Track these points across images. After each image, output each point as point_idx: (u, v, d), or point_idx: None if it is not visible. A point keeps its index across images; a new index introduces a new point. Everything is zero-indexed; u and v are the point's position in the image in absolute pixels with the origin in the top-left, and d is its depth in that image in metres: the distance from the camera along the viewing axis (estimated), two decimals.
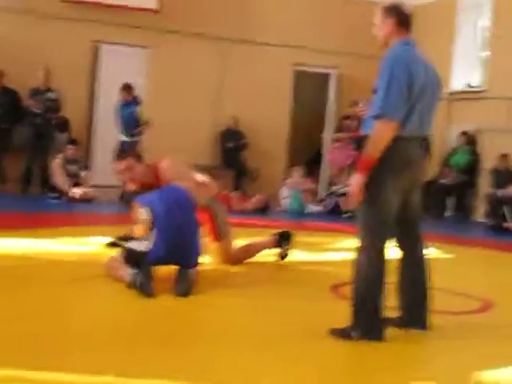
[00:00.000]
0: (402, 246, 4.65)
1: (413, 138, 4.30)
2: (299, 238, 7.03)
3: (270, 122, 14.64)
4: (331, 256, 7.61)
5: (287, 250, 6.76)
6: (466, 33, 14.68)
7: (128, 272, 5.20)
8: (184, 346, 4.02)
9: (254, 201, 12.18)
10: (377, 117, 4.17)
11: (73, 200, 10.98)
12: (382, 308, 4.34)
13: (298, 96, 15.92)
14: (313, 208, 12.68)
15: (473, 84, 14.38)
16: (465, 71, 14.70)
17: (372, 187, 4.22)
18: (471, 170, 13.40)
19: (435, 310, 4.69)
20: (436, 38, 15.02)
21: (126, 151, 6.70)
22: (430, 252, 8.30)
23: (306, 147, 16.55)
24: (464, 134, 13.61)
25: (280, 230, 6.81)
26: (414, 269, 4.64)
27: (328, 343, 4.24)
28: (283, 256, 6.75)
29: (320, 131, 15.60)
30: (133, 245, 5.35)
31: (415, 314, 4.63)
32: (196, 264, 5.42)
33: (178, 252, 5.27)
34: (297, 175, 12.93)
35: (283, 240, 6.74)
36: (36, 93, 12.12)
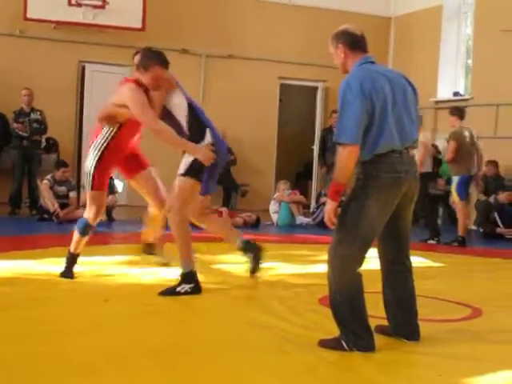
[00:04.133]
0: (389, 257, 4.65)
1: (392, 152, 4.32)
2: (289, 250, 7.04)
3: (257, 137, 14.68)
4: (320, 268, 7.59)
5: (255, 264, 6.55)
6: (451, 41, 14.75)
7: None
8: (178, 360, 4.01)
9: (244, 216, 12.18)
10: (337, 142, 4.26)
11: (60, 220, 10.90)
12: (367, 317, 4.35)
13: (285, 109, 15.98)
14: (302, 219, 12.67)
15: (459, 92, 14.44)
16: (451, 80, 14.78)
17: (356, 204, 4.29)
18: None
19: (426, 318, 4.69)
20: (421, 47, 15.15)
21: None
22: (422, 261, 8.41)
23: (295, 160, 16.59)
24: None
25: (251, 241, 6.68)
26: (402, 280, 4.66)
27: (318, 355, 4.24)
28: (252, 271, 6.57)
29: (308, 144, 15.63)
30: None
31: (406, 325, 4.64)
32: None
33: None
34: (282, 188, 12.92)
35: (248, 250, 6.56)
36: (20, 115, 12.11)
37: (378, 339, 4.43)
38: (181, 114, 5.98)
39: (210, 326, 4.94)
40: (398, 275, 4.64)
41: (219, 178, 13.90)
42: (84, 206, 8.81)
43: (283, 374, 3.87)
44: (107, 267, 7.03)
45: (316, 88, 15.72)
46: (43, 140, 12.71)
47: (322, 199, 12.99)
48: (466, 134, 10.64)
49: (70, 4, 13.21)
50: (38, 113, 12.20)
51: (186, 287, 5.79)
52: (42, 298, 5.49)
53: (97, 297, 5.62)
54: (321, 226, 12.39)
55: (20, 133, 11.95)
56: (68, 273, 6.26)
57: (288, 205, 12.66)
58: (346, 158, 4.21)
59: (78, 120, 13.96)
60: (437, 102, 14.71)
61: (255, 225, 12.05)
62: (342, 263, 4.31)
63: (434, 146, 13.14)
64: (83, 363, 3.90)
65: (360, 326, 4.32)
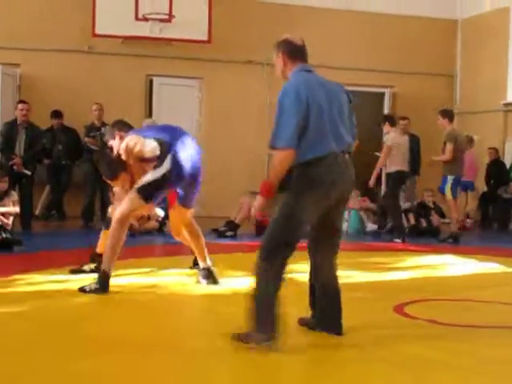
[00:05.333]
0: (321, 253, 4.77)
1: (329, 155, 4.48)
2: (361, 258, 6.98)
3: None
4: (393, 275, 7.53)
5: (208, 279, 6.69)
6: None
7: None
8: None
9: None
10: (272, 147, 4.48)
11: (133, 232, 11.00)
12: (279, 314, 4.39)
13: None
14: (373, 226, 12.58)
15: None
16: None
17: (290, 202, 4.46)
18: None
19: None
20: (490, 50, 14.92)
21: None
22: (496, 266, 8.28)
23: (363, 167, 16.44)
24: None
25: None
26: (332, 276, 4.80)
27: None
28: (199, 281, 6.73)
29: (376, 151, 15.49)
30: None
31: (331, 319, 4.78)
32: None
33: None
34: (354, 195, 12.79)
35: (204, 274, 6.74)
36: (91, 129, 12.32)
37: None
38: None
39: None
40: (328, 271, 4.79)
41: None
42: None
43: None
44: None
45: (383, 94, 15.62)
46: (102, 130, 12.85)
47: None
48: (460, 135, 11.32)
49: (137, 19, 13.41)
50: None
51: (94, 286, 6.05)
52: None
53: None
54: (391, 231, 12.34)
55: (92, 147, 12.15)
56: None
57: (358, 212, 12.59)
58: (282, 160, 4.42)
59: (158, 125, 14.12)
60: (506, 105, 14.47)
61: None
62: (270, 255, 4.40)
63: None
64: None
65: (271, 319, 4.37)
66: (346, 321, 4.83)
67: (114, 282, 6.29)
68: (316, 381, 3.96)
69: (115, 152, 6.45)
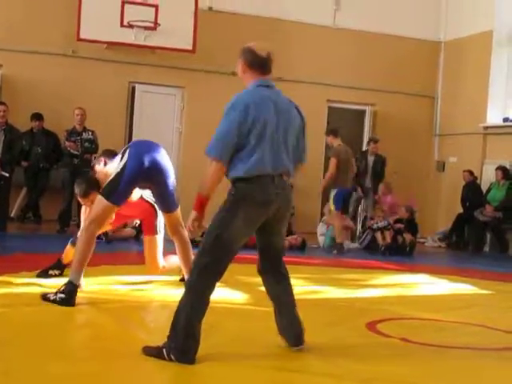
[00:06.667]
0: (268, 269, 4.82)
1: (263, 176, 4.46)
2: (336, 274, 7.01)
3: None
4: (367, 293, 7.56)
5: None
6: (501, 66, 14.58)
7: None
8: None
9: (290, 239, 12.15)
10: (207, 155, 4.45)
11: (109, 239, 10.96)
12: (198, 332, 4.39)
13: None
14: (349, 245, 12.60)
15: (509, 117, 14.27)
16: (501, 105, 14.62)
17: (223, 217, 4.47)
18: (509, 204, 13.24)
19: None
20: (471, 72, 15.07)
21: None
22: (469, 288, 8.34)
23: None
24: (500, 168, 13.52)
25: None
26: (283, 288, 4.85)
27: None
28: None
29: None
30: None
31: (290, 329, 4.83)
32: None
33: None
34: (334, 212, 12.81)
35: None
36: (72, 133, 12.29)
37: None
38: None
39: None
40: (278, 285, 4.83)
41: None
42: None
43: None
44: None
45: (364, 111, 15.72)
46: (93, 158, 12.87)
47: (369, 223, 12.97)
48: (344, 151, 12.00)
49: (121, 25, 13.38)
50: (90, 133, 12.35)
51: (60, 295, 5.87)
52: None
53: None
54: (368, 248, 12.39)
55: (72, 151, 12.11)
56: None
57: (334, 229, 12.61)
58: (213, 172, 4.45)
59: (127, 140, 14.09)
60: (486, 128, 14.59)
61: (301, 247, 11.99)
62: (201, 271, 4.42)
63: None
64: None
65: (191, 337, 4.37)
66: (318, 336, 4.84)
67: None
68: None
69: (97, 175, 6.71)
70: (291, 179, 4.72)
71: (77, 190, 6.85)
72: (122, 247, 10.10)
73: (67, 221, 12.12)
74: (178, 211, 6.59)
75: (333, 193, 11.98)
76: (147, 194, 6.72)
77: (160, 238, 6.82)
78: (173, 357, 4.32)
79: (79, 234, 6.34)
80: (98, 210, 6.15)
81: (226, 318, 5.65)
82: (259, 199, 4.45)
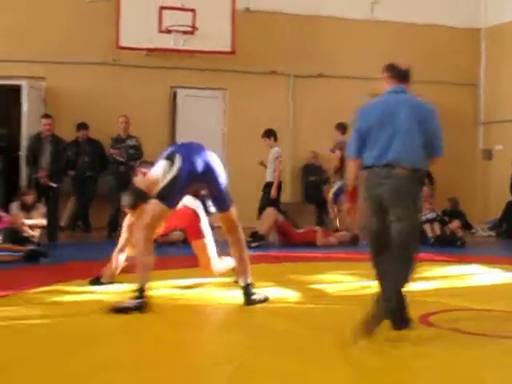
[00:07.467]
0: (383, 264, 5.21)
1: (373, 166, 5.16)
2: None
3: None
4: (419, 285, 7.49)
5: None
6: None
7: None
8: None
9: (339, 235, 12.12)
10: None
11: (158, 243, 11.00)
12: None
13: None
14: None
15: None
16: None
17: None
18: None
19: None
20: None
21: None
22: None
23: None
24: None
25: None
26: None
27: None
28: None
29: None
30: None
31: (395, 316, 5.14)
32: None
33: None
34: None
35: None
36: (117, 141, 12.43)
37: None
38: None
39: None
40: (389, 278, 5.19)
41: (311, 198, 14.06)
42: None
43: None
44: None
45: None
46: (138, 165, 12.97)
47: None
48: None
49: (160, 31, 13.49)
50: (135, 139, 12.48)
51: (134, 302, 5.88)
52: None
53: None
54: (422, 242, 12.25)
55: (117, 158, 12.23)
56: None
57: None
58: (350, 167, 5.49)
59: (170, 144, 14.18)
60: None
61: (354, 242, 11.89)
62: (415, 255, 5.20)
63: None
64: None
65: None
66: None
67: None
68: None
69: (138, 185, 6.82)
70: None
71: (124, 202, 6.86)
72: (170, 251, 10.16)
73: (115, 227, 12.22)
74: (233, 211, 6.51)
75: (336, 186, 12.27)
76: (188, 200, 6.76)
77: (209, 240, 6.83)
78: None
79: (135, 241, 6.34)
80: (152, 213, 6.16)
81: (278, 318, 5.68)
82: (369, 187, 5.30)
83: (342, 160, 11.84)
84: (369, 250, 5.29)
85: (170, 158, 6.21)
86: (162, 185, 6.14)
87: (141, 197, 6.54)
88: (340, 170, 12.13)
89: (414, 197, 5.10)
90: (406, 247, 5.06)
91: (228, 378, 4.08)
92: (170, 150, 6.44)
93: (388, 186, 5.05)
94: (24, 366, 4.27)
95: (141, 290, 5.95)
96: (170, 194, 6.14)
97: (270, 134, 12.33)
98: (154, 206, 6.17)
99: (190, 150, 6.33)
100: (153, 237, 6.32)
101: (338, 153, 12.14)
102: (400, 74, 5.54)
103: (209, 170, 6.24)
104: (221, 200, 6.43)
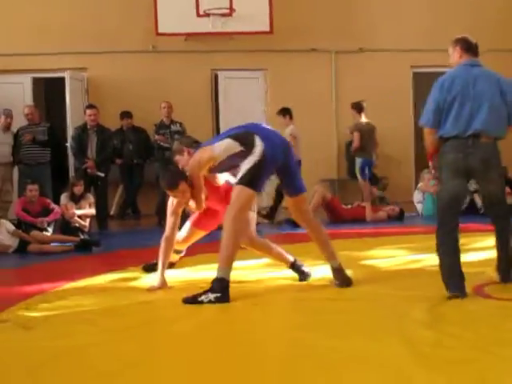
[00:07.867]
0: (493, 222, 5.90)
1: (457, 136, 5.40)
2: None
3: (393, 128, 14.37)
4: (470, 257, 7.42)
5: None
6: None
7: None
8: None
9: (388, 210, 12.07)
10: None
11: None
12: None
13: (421, 98, 15.69)
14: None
15: None
16: None
17: (440, 174, 5.62)
18: None
19: None
20: None
21: None
22: None
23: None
24: None
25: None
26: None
27: None
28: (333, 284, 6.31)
29: None
30: None
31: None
32: None
33: None
34: (427, 178, 12.60)
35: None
36: (161, 127, 12.50)
37: None
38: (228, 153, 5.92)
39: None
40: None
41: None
42: None
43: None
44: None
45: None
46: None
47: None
48: (366, 125, 12.52)
49: (198, 15, 13.50)
50: (178, 124, 12.55)
51: (214, 295, 5.56)
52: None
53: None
54: (467, 212, 12.12)
55: (162, 144, 12.30)
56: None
57: (433, 195, 12.42)
58: (427, 136, 5.64)
59: (214, 128, 14.23)
60: None
61: (399, 217, 11.90)
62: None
63: None
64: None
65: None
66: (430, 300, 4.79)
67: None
68: None
69: (180, 167, 6.47)
70: None
71: (163, 183, 6.54)
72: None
73: (165, 213, 12.28)
74: (305, 195, 6.25)
75: (358, 163, 12.49)
76: (226, 177, 6.58)
77: (253, 215, 6.50)
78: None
79: (226, 224, 5.81)
80: (241, 200, 5.75)
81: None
82: (451, 158, 5.56)
83: (361, 139, 12.25)
84: (440, 217, 5.74)
85: (241, 139, 5.88)
86: (243, 170, 5.76)
87: (178, 176, 6.26)
88: (359, 149, 12.38)
89: (499, 163, 5.56)
90: (505, 203, 5.73)
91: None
92: (236, 130, 6.11)
93: (477, 156, 5.37)
94: (96, 351, 4.30)
95: (223, 281, 5.63)
96: (258, 178, 5.79)
97: (285, 112, 12.13)
98: (241, 191, 5.76)
99: (267, 133, 5.99)
100: (244, 222, 5.98)
101: (356, 134, 12.30)
102: (473, 48, 5.70)
103: (286, 152, 5.99)
104: (296, 182, 6.16)
